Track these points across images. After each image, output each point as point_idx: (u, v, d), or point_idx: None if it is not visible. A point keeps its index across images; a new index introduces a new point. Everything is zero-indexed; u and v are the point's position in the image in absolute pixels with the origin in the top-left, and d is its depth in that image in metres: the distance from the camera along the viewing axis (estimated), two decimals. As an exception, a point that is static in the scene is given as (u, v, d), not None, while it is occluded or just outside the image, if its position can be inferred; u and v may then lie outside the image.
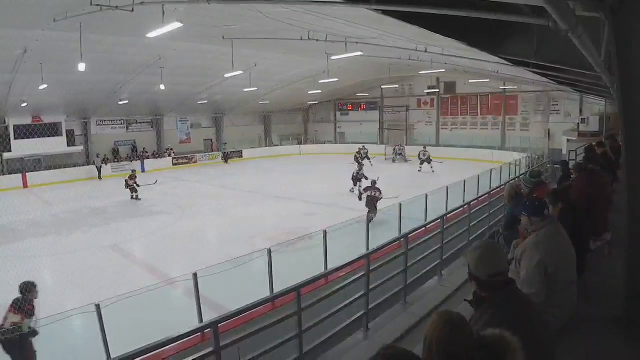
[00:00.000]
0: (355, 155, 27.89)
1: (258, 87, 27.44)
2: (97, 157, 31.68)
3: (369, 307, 6.25)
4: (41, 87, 19.81)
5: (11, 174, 28.05)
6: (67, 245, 14.10)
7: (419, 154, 27.56)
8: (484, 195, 12.08)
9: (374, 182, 15.19)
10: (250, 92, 28.00)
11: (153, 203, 20.26)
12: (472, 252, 2.71)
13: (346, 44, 15.62)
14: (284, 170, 30.12)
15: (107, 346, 5.84)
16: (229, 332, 5.23)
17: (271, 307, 6.63)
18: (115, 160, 32.42)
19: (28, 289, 6.85)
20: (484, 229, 10.50)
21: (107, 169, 30.88)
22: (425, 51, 15.67)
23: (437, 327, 2.05)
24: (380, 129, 39.31)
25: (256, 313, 6.20)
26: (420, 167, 26.76)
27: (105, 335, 5.87)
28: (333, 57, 18.70)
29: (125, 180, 21.53)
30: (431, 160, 26.87)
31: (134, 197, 21.12)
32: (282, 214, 16.73)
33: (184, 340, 4.97)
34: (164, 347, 4.61)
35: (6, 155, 27.86)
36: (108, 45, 17.06)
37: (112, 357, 5.69)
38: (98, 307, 5.84)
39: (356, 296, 6.17)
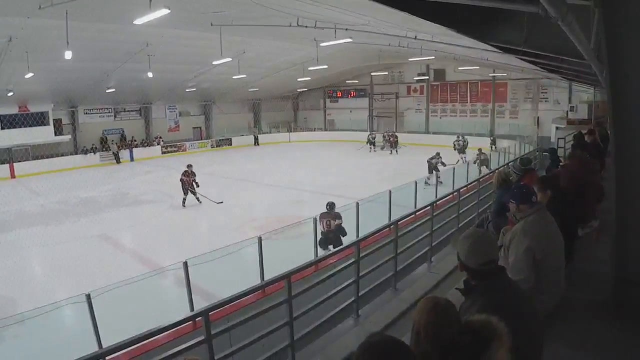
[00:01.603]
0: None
1: (247, 74, 27.27)
2: (113, 142, 32.18)
3: (359, 294, 6.29)
4: (27, 76, 19.56)
5: (-2, 164, 27.71)
6: (56, 235, 14.02)
7: (454, 144, 26.34)
8: (473, 182, 12.14)
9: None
10: (239, 79, 27.84)
11: (142, 192, 20.20)
12: (463, 241, 2.71)
13: (335, 31, 15.55)
14: (274, 158, 30.08)
15: (99, 335, 5.83)
16: (220, 321, 5.25)
17: (262, 294, 6.65)
18: (104, 149, 32.14)
19: None
20: (473, 215, 10.58)
21: (95, 157, 30.72)
22: (415, 38, 15.64)
23: (424, 312, 2.06)
24: (369, 116, 39.27)
25: (247, 301, 6.24)
26: (460, 158, 23.99)
27: (96, 324, 5.87)
28: (322, 44, 18.62)
29: (183, 180, 17.57)
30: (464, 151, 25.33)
31: (197, 198, 17.68)
32: (272, 202, 16.75)
33: (175, 329, 4.99)
34: (156, 336, 4.62)
35: None
36: (94, 33, 16.83)
37: (103, 346, 5.69)
38: (88, 296, 5.82)
39: (346, 283, 6.21)
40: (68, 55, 15.16)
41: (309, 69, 27.55)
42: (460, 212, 9.89)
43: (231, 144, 37.63)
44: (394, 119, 37.29)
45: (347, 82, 39.58)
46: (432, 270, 7.78)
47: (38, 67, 19.17)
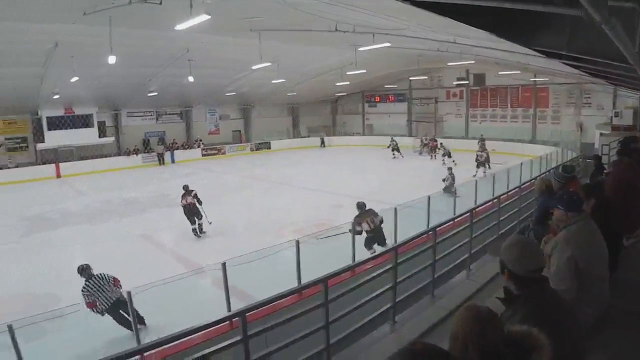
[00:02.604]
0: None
1: (285, 79, 27.50)
2: (158, 144, 33.35)
3: (396, 300, 6.25)
4: (72, 80, 20.24)
5: (45, 163, 28.98)
6: (100, 234, 14.43)
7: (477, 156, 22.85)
8: (514, 189, 11.92)
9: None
10: (278, 83, 28.10)
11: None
12: (510, 248, 2.67)
13: (374, 35, 15.53)
14: (312, 162, 30.19)
15: (137, 332, 5.98)
16: (257, 322, 5.29)
17: (298, 297, 6.66)
18: (146, 151, 32.99)
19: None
20: (513, 223, 10.38)
21: (138, 159, 31.55)
22: (454, 42, 15.47)
23: (466, 320, 2.02)
24: (408, 120, 38.98)
25: (284, 303, 6.25)
26: (476, 171, 21.38)
27: (135, 320, 6.01)
28: (360, 49, 18.62)
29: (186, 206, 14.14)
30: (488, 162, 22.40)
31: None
32: (310, 206, 16.78)
33: (213, 328, 5.05)
34: (193, 334, 4.70)
35: (40, 145, 28.81)
36: (137, 39, 17.29)
37: (142, 342, 5.84)
38: (129, 294, 5.98)
39: (383, 289, 6.17)
40: (112, 60, 15.58)
41: (347, 73, 27.60)
42: (501, 219, 9.72)
43: (270, 148, 37.97)
44: (433, 124, 36.90)
45: (386, 86, 39.36)
46: (471, 277, 7.66)
47: (83, 71, 19.80)
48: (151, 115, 34.49)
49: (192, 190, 14.09)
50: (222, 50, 21.11)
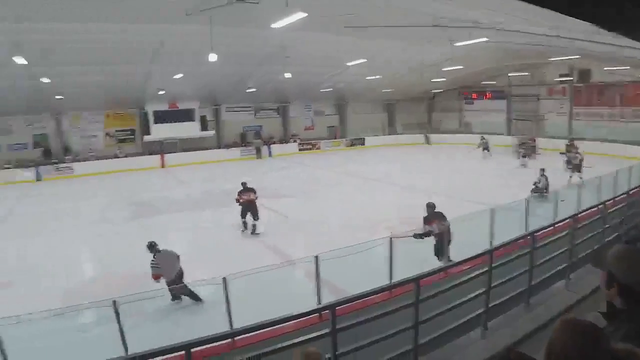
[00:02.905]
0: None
1: (381, 75, 27.39)
2: (254, 139, 34.65)
3: (489, 306, 6.06)
4: (176, 77, 21.46)
5: (150, 154, 31.23)
6: (199, 222, 15.20)
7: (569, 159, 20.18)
8: (621, 195, 11.12)
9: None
10: (373, 80, 28.08)
11: (278, 186, 21.07)
12: (622, 258, 2.48)
13: (471, 30, 15.10)
14: (407, 159, 29.86)
15: (230, 316, 6.23)
16: (346, 316, 5.37)
17: (389, 295, 6.62)
18: (244, 144, 34.28)
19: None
20: (618, 232, 9.69)
21: (236, 152, 32.84)
22: (558, 37, 14.70)
23: (568, 335, 1.88)
24: (507, 119, 37.32)
25: (374, 300, 6.28)
26: (571, 175, 18.91)
27: (229, 306, 6.26)
28: (457, 44, 18.12)
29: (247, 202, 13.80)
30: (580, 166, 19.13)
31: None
32: (404, 203, 16.57)
33: (302, 319, 5.19)
34: (283, 323, 4.83)
35: (146, 137, 31.07)
36: (236, 37, 17.94)
37: (234, 327, 6.10)
38: (224, 280, 6.25)
39: (476, 293, 6.00)
40: (213, 57, 16.28)
41: (444, 69, 26.99)
42: (606, 227, 9.11)
43: (364, 144, 37.96)
44: (534, 123, 35.00)
45: (483, 83, 37.78)
46: (570, 288, 7.26)
47: (186, 68, 20.97)
48: (250, 110, 35.80)
49: (253, 188, 14.03)
50: (317, 47, 21.37)
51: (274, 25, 12.17)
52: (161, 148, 31.74)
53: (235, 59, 21.38)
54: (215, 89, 29.68)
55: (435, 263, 8.83)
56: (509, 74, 34.89)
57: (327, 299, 6.50)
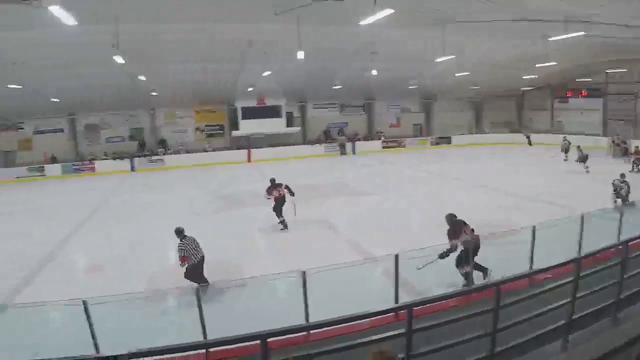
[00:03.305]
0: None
1: (469, 72, 26.66)
2: (338, 135, 34.98)
3: (572, 318, 5.75)
4: (264, 74, 22.03)
5: (238, 149, 32.43)
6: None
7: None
8: None
9: None
10: (461, 77, 27.35)
11: (361, 183, 21.14)
12: None
13: (566, 24, 14.33)
14: (493, 159, 28.89)
15: (307, 310, 6.34)
16: (422, 317, 5.31)
17: (467, 299, 6.47)
18: (328, 141, 34.61)
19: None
20: None
21: (320, 148, 33.27)
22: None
23: None
24: (604, 119, 34.73)
25: (451, 303, 6.18)
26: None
27: (306, 299, 6.37)
28: (551, 39, 17.22)
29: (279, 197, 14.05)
30: None
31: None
32: (486, 205, 16.08)
33: (378, 317, 5.21)
34: (359, 320, 4.92)
35: (234, 132, 32.47)
36: (323, 35, 18.09)
37: (310, 320, 6.22)
38: (304, 273, 6.36)
39: (559, 303, 5.68)
40: (300, 55, 16.56)
41: (537, 65, 25.83)
42: None
43: (450, 143, 37.04)
44: (632, 123, 32.26)
45: (578, 80, 35.25)
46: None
47: (274, 66, 21.47)
48: (335, 107, 36.12)
49: (282, 183, 14.10)
50: (404, 43, 21.12)
51: (361, 23, 12.22)
52: (248, 143, 32.84)
53: (322, 56, 21.61)
54: (302, 86, 30.20)
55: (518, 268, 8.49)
56: (607, 71, 32.49)
57: (405, 299, 6.48)
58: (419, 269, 8.14)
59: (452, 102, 38.74)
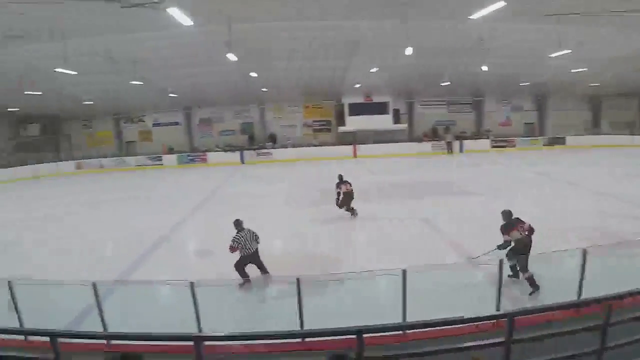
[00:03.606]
0: None
1: (587, 68, 24.86)
2: (445, 133, 34.17)
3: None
4: (372, 70, 22.03)
5: (344, 144, 32.85)
6: (385, 213, 15.51)
7: None
8: None
9: None
10: (578, 73, 25.59)
11: (468, 183, 20.48)
12: None
13: None
14: (613, 163, 26.49)
15: (405, 309, 6.27)
16: (523, 328, 5.09)
17: (575, 313, 6.09)
18: (436, 139, 33.96)
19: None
20: None
21: (427, 146, 32.86)
22: None
23: None
24: None
25: (557, 315, 5.88)
26: None
27: (405, 298, 6.28)
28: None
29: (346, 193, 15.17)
30: None
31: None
32: (603, 213, 14.96)
33: (477, 323, 5.07)
34: (457, 324, 4.79)
35: (341, 128, 32.96)
36: (431, 30, 17.85)
37: (407, 320, 6.16)
38: (404, 272, 6.26)
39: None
40: (408, 51, 16.39)
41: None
42: None
43: (564, 144, 34.59)
44: None
45: None
46: None
47: (381, 62, 21.42)
48: (443, 105, 35.35)
49: (347, 180, 15.03)
50: (517, 37, 20.21)
51: (472, 17, 11.88)
52: (354, 139, 33.10)
53: (431, 52, 21.27)
54: (410, 83, 29.91)
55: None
56: None
57: (505, 307, 6.26)
58: (473, 259, 8.82)
59: (567, 100, 36.11)
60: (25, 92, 23.79)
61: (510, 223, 8.74)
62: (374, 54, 20.26)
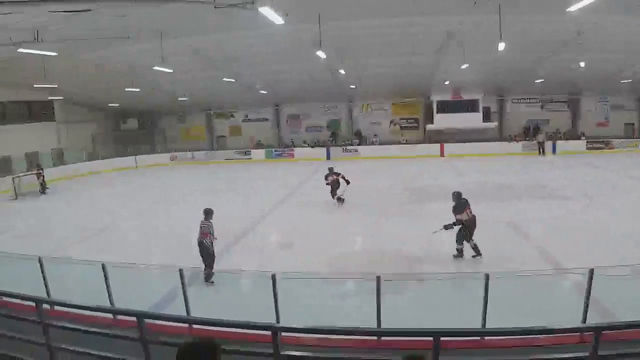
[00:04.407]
0: None
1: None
2: (541, 132, 32.24)
3: None
4: (462, 67, 21.42)
5: (431, 143, 32.32)
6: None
7: None
8: None
9: None
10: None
11: (560, 186, 19.42)
12: None
13: None
14: None
15: (485, 314, 6.02)
16: (612, 343, 4.80)
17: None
18: (527, 139, 32.45)
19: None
20: None
21: (518, 146, 31.53)
22: None
23: None
24: None
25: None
26: None
27: (486, 303, 6.05)
28: None
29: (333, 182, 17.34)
30: None
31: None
32: None
33: (560, 335, 4.84)
34: (539, 334, 4.65)
35: (429, 126, 32.36)
36: (526, 24, 17.12)
37: (487, 326, 5.96)
38: (487, 276, 5.99)
39: None
40: (501, 47, 15.81)
41: None
42: None
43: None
44: None
45: None
46: None
47: (472, 58, 20.74)
48: (536, 103, 33.66)
49: (339, 173, 16.99)
50: (618, 30, 18.85)
51: (569, 9, 11.28)
52: (442, 137, 32.43)
53: (524, 47, 20.40)
54: (501, 80, 28.83)
55: None
56: None
57: (592, 319, 5.92)
58: (434, 232, 10.83)
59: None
60: (126, 89, 25.40)
61: (461, 204, 10.74)
62: (465, 49, 19.66)
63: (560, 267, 9.62)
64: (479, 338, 5.60)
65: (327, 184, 17.09)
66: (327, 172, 17.21)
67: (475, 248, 10.46)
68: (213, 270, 9.54)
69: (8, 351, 4.96)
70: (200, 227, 9.91)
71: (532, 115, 33.74)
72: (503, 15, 14.38)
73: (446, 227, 10.59)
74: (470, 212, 10.60)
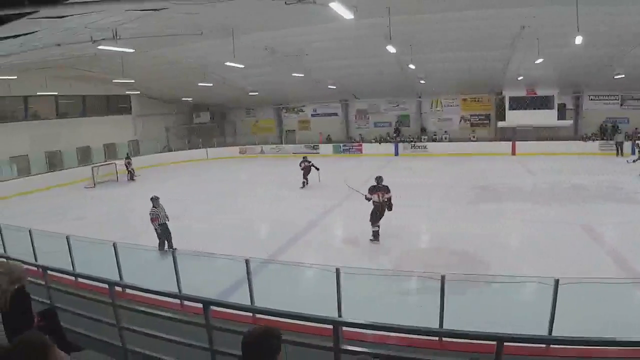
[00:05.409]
0: None
1: None
2: (619, 132, 30.28)
3: None
4: (536, 62, 20.60)
5: (502, 140, 31.31)
6: (540, 215, 14.61)
7: None
8: None
9: None
10: None
11: (636, 189, 18.43)
12: None
13: None
14: None
15: (553, 321, 5.83)
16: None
17: None
18: (604, 138, 30.69)
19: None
20: None
21: (594, 145, 29.90)
22: None
23: None
24: None
25: None
26: None
27: (554, 309, 5.87)
28: None
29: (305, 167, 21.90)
30: None
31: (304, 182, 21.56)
32: None
33: (633, 348, 4.63)
34: (608, 345, 4.48)
35: (500, 123, 31.24)
36: (604, 16, 16.17)
37: (553, 333, 5.76)
38: (557, 281, 5.81)
39: None
40: (578, 40, 15.10)
41: None
42: None
43: None
44: None
45: None
46: None
47: (547, 53, 19.90)
48: (615, 100, 31.70)
49: (310, 161, 21.37)
50: None
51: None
52: (514, 135, 31.35)
53: (603, 40, 19.26)
54: (578, 75, 27.23)
55: None
56: None
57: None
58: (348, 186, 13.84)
59: None
60: (199, 84, 26.24)
61: (376, 187, 12.19)
62: (539, 43, 18.87)
63: (636, 276, 9.12)
64: (544, 346, 5.44)
65: (301, 169, 21.02)
66: (302, 159, 21.48)
67: (375, 233, 12.13)
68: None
69: (82, 330, 5.32)
70: (149, 214, 11.88)
71: (610, 113, 31.69)
72: (580, 6, 13.74)
73: (365, 197, 12.42)
74: (382, 197, 12.00)
